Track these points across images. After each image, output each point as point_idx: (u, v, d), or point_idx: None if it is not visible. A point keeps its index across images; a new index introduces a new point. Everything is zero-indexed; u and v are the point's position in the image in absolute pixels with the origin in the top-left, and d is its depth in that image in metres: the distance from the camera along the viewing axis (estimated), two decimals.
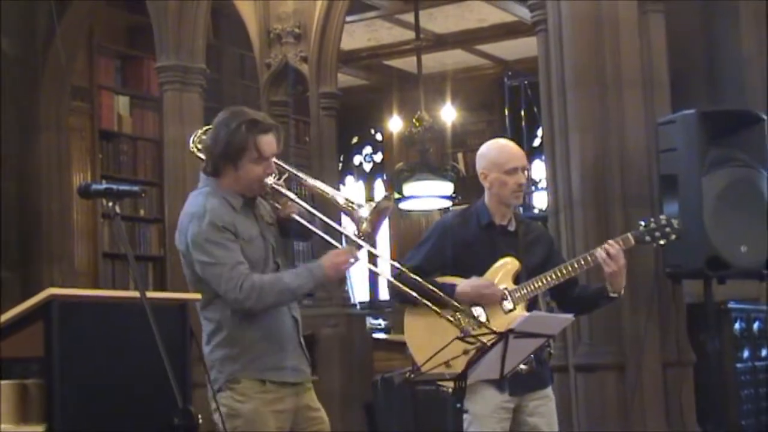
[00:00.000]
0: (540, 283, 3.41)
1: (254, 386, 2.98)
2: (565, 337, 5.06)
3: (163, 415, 2.38)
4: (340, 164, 10.38)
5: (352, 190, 12.14)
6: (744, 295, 5.50)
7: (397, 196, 9.08)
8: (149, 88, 8.62)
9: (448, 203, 9.26)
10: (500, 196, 3.51)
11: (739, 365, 5.39)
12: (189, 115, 7.18)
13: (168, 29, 7.09)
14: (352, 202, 3.07)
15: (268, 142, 3.02)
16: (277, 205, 3.15)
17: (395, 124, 10.33)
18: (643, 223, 3.50)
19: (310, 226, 3.16)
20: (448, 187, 8.96)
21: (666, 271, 4.93)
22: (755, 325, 5.58)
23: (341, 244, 3.22)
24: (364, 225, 3.04)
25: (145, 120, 8.76)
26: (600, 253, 3.38)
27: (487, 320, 3.37)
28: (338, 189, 8.03)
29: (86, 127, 8.28)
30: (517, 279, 3.46)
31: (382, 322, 9.17)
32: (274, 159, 3.07)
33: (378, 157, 12.20)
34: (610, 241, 3.42)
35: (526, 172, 3.56)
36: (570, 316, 3.32)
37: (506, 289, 3.44)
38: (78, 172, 8.13)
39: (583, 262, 3.41)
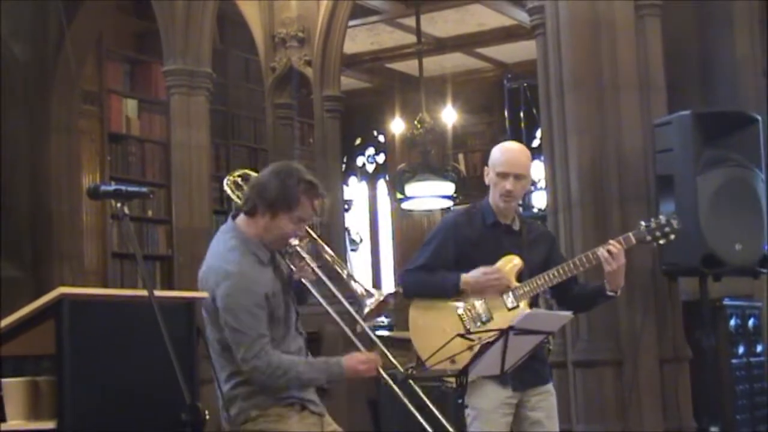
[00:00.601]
0: (542, 281, 3.47)
1: (284, 409, 3.04)
2: (564, 333, 5.12)
3: (171, 410, 2.42)
4: (344, 165, 10.42)
5: (355, 191, 12.22)
6: (739, 292, 5.53)
7: (399, 196, 9.15)
8: (157, 92, 8.69)
9: (449, 203, 9.30)
10: (493, 197, 3.57)
11: (734, 361, 5.43)
12: (195, 118, 7.28)
13: (175, 34, 7.18)
14: (366, 290, 3.16)
15: (315, 207, 3.07)
16: (292, 266, 3.19)
17: (397, 125, 10.37)
18: (643, 223, 3.54)
19: (317, 296, 3.22)
20: (449, 188, 9.01)
21: (662, 269, 4.98)
22: (750, 322, 5.62)
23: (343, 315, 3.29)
24: (367, 311, 3.14)
25: (152, 123, 8.84)
26: (602, 252, 3.43)
27: (491, 316, 3.45)
28: (341, 190, 8.17)
29: (95, 130, 8.36)
30: (520, 277, 3.52)
31: (384, 320, 9.23)
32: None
33: (380, 159, 12.23)
34: (612, 241, 3.46)
35: (520, 180, 3.52)
36: (569, 314, 3.37)
37: (509, 286, 3.50)
38: (87, 174, 8.21)
39: (585, 260, 3.46)
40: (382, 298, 3.15)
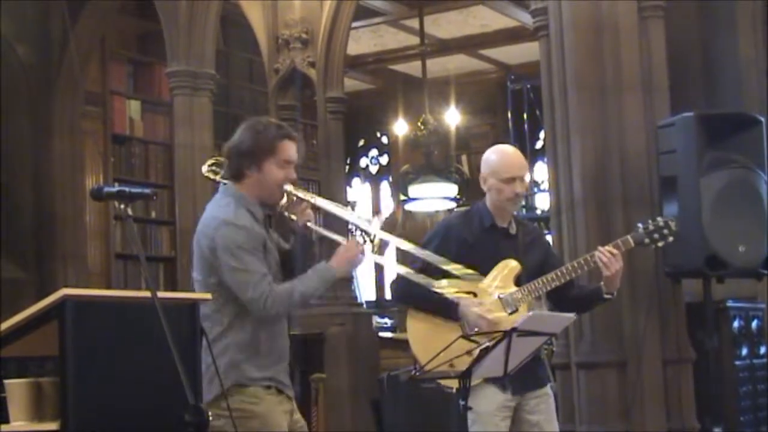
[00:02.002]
0: (540, 284, 3.47)
1: (262, 390, 3.07)
2: (567, 335, 5.11)
3: (175, 411, 2.42)
4: (347, 167, 10.43)
5: (358, 192, 12.23)
6: (742, 294, 5.52)
7: (402, 197, 9.16)
8: (160, 93, 8.71)
9: (452, 204, 9.32)
10: (497, 201, 3.56)
11: (737, 363, 5.42)
12: (199, 119, 7.29)
13: (178, 36, 7.20)
14: (366, 219, 3.23)
15: (293, 147, 3.12)
16: (292, 216, 3.22)
17: (400, 127, 10.38)
18: (641, 225, 3.55)
19: (325, 232, 3.24)
20: (452, 189, 9.01)
21: (665, 271, 4.97)
22: (753, 324, 5.60)
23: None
24: (376, 240, 3.17)
25: (156, 124, 8.86)
26: (599, 256, 3.44)
27: None
28: (345, 191, 8.18)
29: (99, 131, 8.38)
30: (518, 281, 3.52)
31: (388, 321, 9.25)
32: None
33: (384, 160, 12.26)
34: (609, 246, 3.47)
35: (525, 181, 3.57)
36: (572, 315, 3.37)
37: (508, 290, 3.49)
38: (91, 175, 8.24)
39: (583, 263, 3.47)
40: (386, 216, 3.18)
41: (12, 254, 7.55)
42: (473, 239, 3.56)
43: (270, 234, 3.17)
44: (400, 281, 3.59)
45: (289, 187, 3.15)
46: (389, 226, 3.19)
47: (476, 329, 3.38)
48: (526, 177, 3.59)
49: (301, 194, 3.19)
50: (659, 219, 3.57)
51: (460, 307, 3.45)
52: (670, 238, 3.53)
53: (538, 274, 3.50)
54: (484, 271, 3.52)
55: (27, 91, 7.84)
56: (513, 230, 3.61)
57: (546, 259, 3.63)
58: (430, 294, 3.49)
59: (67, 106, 7.96)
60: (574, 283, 3.59)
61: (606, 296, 3.53)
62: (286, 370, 3.18)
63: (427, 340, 3.42)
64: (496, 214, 3.58)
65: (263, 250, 3.06)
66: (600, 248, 3.48)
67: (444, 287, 3.51)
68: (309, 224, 3.22)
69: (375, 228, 3.17)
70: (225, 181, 3.20)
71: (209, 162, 3.43)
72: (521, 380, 3.44)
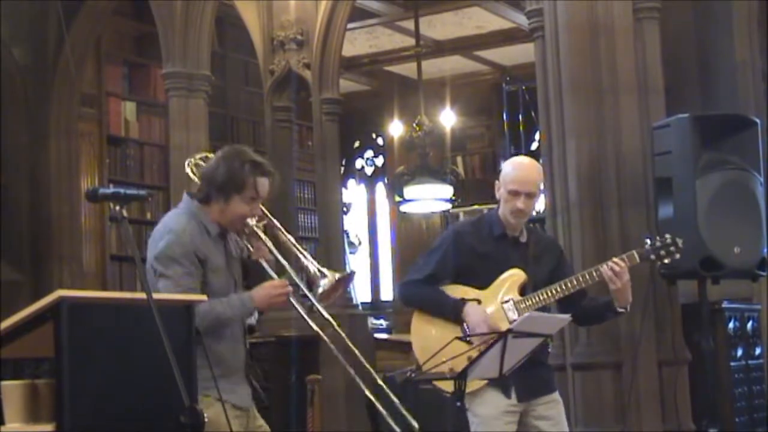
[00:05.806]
0: (545, 296, 3.46)
1: (209, 401, 3.03)
2: (563, 336, 5.11)
3: (170, 413, 2.43)
4: (342, 168, 10.44)
5: (354, 194, 12.23)
6: (737, 295, 5.52)
7: (398, 198, 9.17)
8: (156, 95, 8.72)
9: (447, 206, 9.34)
10: (505, 211, 3.55)
11: (733, 364, 5.41)
12: (194, 121, 7.28)
13: (174, 37, 7.19)
14: (319, 270, 3.22)
15: (264, 184, 3.16)
16: (249, 246, 3.26)
17: (396, 128, 10.39)
18: (648, 241, 3.53)
19: (273, 275, 3.26)
20: (447, 190, 9.02)
21: (661, 272, 4.94)
22: (749, 324, 5.60)
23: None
24: (320, 291, 3.20)
25: (151, 125, 8.87)
26: (605, 270, 3.42)
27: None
28: (340, 193, 8.18)
29: (94, 133, 8.39)
30: (524, 290, 3.51)
31: (383, 323, 9.27)
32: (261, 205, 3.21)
33: (379, 161, 12.27)
34: (615, 259, 3.45)
35: (530, 198, 3.50)
36: (567, 317, 3.38)
37: (512, 299, 3.49)
38: (86, 177, 8.25)
39: (588, 277, 3.46)
40: (335, 280, 3.21)
41: (8, 255, 7.54)
42: (482, 248, 3.55)
43: (226, 251, 3.20)
44: (408, 285, 3.60)
45: (251, 221, 3.21)
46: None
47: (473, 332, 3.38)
48: (533, 194, 3.52)
49: (260, 232, 3.24)
50: (667, 236, 3.53)
51: (465, 308, 3.45)
52: (677, 256, 3.50)
53: (546, 284, 3.49)
54: (491, 280, 3.52)
55: (23, 93, 7.84)
56: (524, 239, 3.59)
57: (557, 268, 3.61)
58: (436, 295, 3.50)
59: (63, 108, 7.97)
60: (586, 293, 3.57)
61: (619, 310, 3.51)
62: (242, 379, 3.20)
63: (428, 342, 3.43)
64: (506, 223, 3.56)
65: (203, 266, 3.09)
66: (608, 262, 3.45)
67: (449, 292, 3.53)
68: (262, 262, 3.25)
69: (325, 282, 3.19)
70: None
71: (195, 159, 3.43)
72: (527, 386, 3.44)
